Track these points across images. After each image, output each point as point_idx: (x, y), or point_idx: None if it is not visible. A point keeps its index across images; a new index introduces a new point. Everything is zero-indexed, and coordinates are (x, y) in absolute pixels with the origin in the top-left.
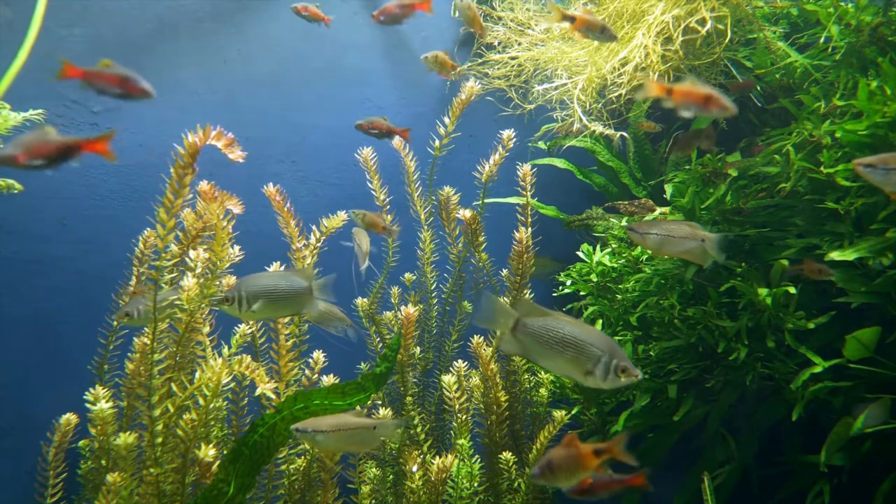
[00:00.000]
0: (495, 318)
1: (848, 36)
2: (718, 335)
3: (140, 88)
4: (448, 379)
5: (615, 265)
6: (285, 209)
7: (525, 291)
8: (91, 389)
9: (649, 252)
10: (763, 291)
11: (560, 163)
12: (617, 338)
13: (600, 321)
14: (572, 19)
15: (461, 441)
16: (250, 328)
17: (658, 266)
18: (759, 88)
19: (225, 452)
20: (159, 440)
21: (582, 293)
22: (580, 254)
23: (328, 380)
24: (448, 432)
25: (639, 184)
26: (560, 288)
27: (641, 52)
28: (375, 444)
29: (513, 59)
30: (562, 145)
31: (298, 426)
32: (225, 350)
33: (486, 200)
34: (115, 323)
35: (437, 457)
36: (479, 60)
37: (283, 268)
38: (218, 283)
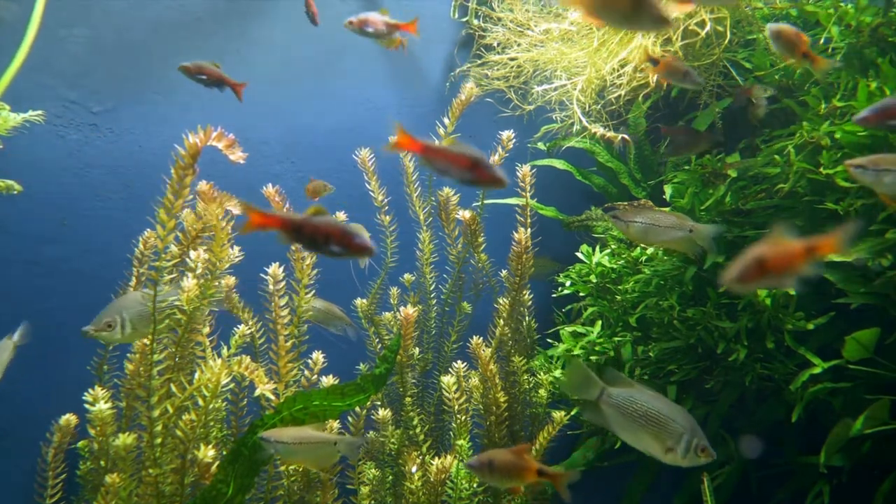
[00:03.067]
0: (582, 386)
1: (848, 37)
2: (718, 336)
3: (493, 177)
4: (447, 380)
5: (614, 266)
6: (284, 210)
7: (524, 292)
8: (90, 390)
9: (648, 253)
10: (762, 292)
11: (559, 164)
12: (616, 338)
13: (600, 322)
14: (656, 62)
15: (460, 442)
16: (249, 329)
17: (657, 267)
18: None
19: (224, 453)
20: (158, 441)
21: (581, 294)
22: (579, 255)
23: (327, 380)
24: (447, 433)
25: (638, 184)
26: (560, 289)
27: (641, 53)
28: (335, 460)
29: (512, 59)
30: (561, 146)
31: (263, 435)
32: (224, 351)
33: (486, 201)
34: None
35: (437, 457)
36: (479, 62)
37: (281, 269)
38: (217, 283)
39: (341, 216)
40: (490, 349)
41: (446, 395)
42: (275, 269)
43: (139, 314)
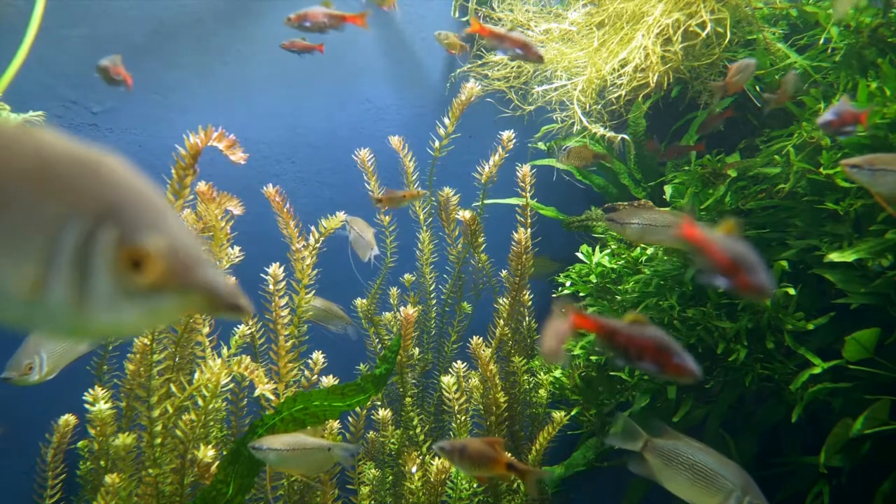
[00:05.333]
0: (626, 437)
1: (847, 37)
2: (718, 336)
3: (683, 368)
4: (447, 380)
5: (614, 266)
6: (285, 210)
7: (524, 292)
8: (90, 390)
9: (648, 253)
10: None
11: (559, 164)
12: None
13: None
14: None
15: None
16: (249, 329)
17: (657, 267)
18: (758, 89)
19: (224, 453)
20: (158, 441)
21: (581, 294)
22: (579, 255)
23: (327, 381)
24: (447, 433)
25: (638, 185)
26: (560, 289)
27: (641, 53)
28: (330, 465)
29: (512, 60)
30: (562, 146)
31: (254, 444)
32: (224, 351)
33: (486, 201)
34: None
35: (437, 458)
36: (479, 62)
37: (281, 269)
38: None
39: (341, 216)
40: (490, 349)
41: (446, 395)
42: (275, 269)
43: (55, 350)
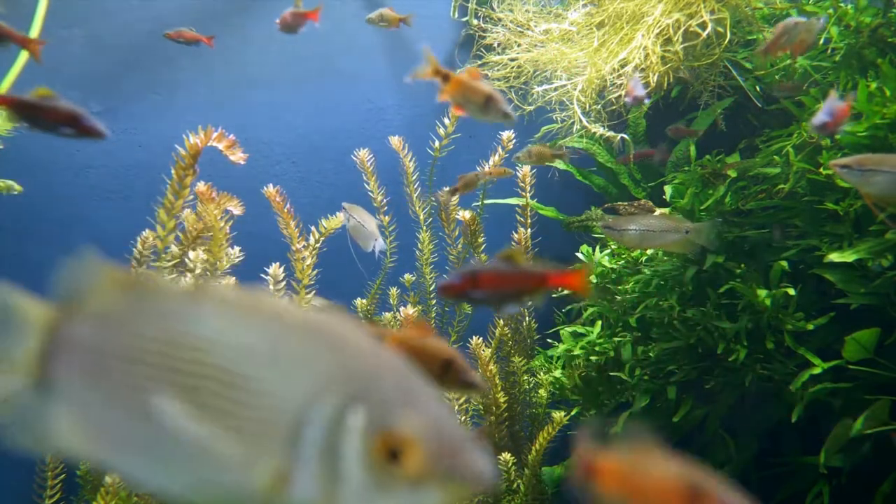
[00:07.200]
0: None
1: (847, 37)
2: (718, 336)
3: None
4: None
5: (614, 266)
6: (285, 210)
7: None
8: None
9: (648, 253)
10: (762, 293)
11: (559, 164)
12: (616, 339)
13: (599, 322)
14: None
15: None
16: None
17: (657, 267)
18: (758, 90)
19: None
20: None
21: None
22: (579, 255)
23: None
24: None
25: (638, 185)
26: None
27: (641, 53)
28: None
29: (512, 60)
30: (562, 146)
31: None
32: None
33: (486, 201)
34: None
35: None
36: (479, 62)
37: (282, 269)
38: (217, 283)
39: (340, 216)
40: (490, 349)
41: (446, 395)
42: (275, 270)
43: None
